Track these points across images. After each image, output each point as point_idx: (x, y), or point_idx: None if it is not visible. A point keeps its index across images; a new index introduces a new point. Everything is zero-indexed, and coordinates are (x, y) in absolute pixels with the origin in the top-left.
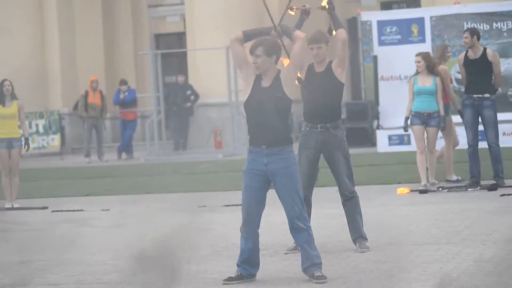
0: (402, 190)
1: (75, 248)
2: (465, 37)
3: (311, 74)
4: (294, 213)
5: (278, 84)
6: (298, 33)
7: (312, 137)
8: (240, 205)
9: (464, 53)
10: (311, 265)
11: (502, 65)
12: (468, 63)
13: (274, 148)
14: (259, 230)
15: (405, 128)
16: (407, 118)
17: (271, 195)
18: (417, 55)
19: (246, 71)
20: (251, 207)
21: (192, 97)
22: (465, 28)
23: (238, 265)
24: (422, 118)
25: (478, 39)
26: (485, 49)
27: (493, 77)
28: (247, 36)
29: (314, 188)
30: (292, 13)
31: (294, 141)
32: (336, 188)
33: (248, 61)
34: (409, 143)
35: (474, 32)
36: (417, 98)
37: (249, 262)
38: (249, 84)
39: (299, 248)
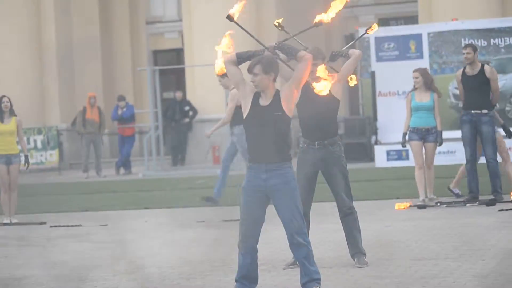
0: (402, 205)
1: (74, 263)
2: (468, 53)
3: (309, 91)
4: (294, 228)
5: (277, 102)
6: (304, 53)
7: (310, 153)
8: (239, 220)
9: (462, 69)
10: (310, 280)
11: (500, 81)
12: (466, 80)
13: (273, 165)
14: (257, 246)
15: (403, 144)
16: (405, 134)
17: (270, 210)
18: (415, 71)
19: (243, 89)
20: (250, 223)
21: (190, 113)
22: (465, 44)
23: (236, 281)
24: (420, 134)
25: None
26: (482, 65)
27: (491, 93)
28: (240, 57)
29: (313, 203)
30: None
31: (292, 157)
32: (334, 203)
33: (244, 79)
34: (407, 158)
35: (475, 48)
36: (415, 114)
37: (247, 277)
38: (248, 102)
39: (298, 263)
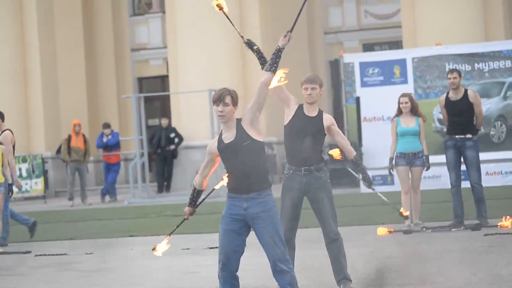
0: (382, 230)
1: None
2: (454, 78)
3: (300, 116)
4: (277, 255)
5: (242, 133)
6: (267, 77)
7: (296, 180)
8: None
9: (445, 94)
10: None
11: (484, 105)
12: (449, 104)
13: (253, 194)
14: (243, 273)
15: (391, 170)
16: (391, 159)
17: (254, 236)
18: (404, 96)
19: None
20: (229, 251)
21: (176, 140)
22: (450, 69)
23: None
24: (407, 159)
25: None
26: (466, 90)
27: (475, 117)
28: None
29: (297, 229)
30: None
31: (278, 182)
32: (319, 229)
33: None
34: (392, 183)
35: (460, 73)
36: (401, 139)
37: None
38: (215, 141)
39: None
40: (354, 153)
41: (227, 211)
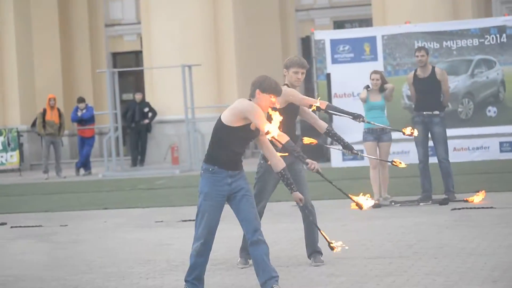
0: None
1: (34, 264)
2: (422, 55)
3: None
4: (256, 226)
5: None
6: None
7: None
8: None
9: (413, 72)
10: (270, 278)
11: (452, 82)
12: (417, 82)
13: (236, 171)
14: (214, 245)
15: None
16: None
17: (226, 210)
18: (376, 73)
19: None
20: (214, 227)
21: (149, 114)
22: (418, 47)
23: (187, 281)
24: (374, 134)
25: None
26: (433, 67)
27: (442, 94)
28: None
29: (270, 203)
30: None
31: (250, 157)
32: (291, 203)
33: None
34: (362, 158)
35: (428, 51)
36: (368, 113)
37: (199, 278)
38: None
39: (256, 261)
40: (326, 125)
41: (213, 187)
